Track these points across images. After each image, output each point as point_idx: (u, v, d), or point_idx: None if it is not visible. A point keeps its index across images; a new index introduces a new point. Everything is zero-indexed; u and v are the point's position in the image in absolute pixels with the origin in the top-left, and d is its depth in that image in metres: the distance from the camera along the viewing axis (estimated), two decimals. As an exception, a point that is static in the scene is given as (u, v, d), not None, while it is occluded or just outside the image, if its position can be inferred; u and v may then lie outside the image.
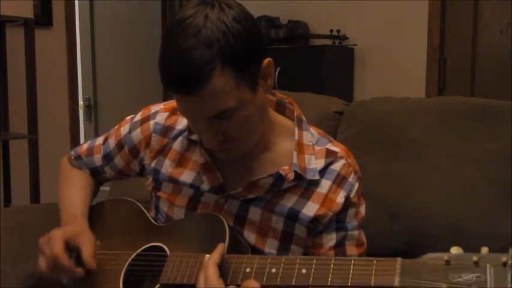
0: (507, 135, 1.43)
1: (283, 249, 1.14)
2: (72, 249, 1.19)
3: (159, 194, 1.23)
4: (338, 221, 1.13)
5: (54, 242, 1.16)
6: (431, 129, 1.56)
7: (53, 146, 3.11)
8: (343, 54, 3.53)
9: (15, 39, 2.94)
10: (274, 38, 3.55)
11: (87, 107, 4.32)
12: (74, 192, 1.32)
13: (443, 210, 1.46)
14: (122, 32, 4.25)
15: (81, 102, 4.08)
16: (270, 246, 1.14)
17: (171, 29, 1.00)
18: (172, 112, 1.25)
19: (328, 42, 3.52)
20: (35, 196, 2.85)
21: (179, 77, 0.97)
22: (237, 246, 1.09)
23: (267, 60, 1.05)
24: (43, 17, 3.20)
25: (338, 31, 3.49)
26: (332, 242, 1.13)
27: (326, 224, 1.13)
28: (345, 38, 3.50)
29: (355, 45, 3.52)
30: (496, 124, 1.48)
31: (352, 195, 1.14)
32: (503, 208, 1.40)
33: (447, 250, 1.50)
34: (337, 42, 3.50)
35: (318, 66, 3.35)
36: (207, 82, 0.96)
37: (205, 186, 1.17)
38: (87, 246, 1.18)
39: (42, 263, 1.18)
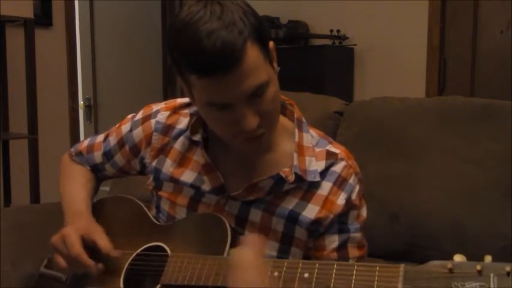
0: (507, 135, 1.43)
1: (283, 251, 1.14)
2: (88, 246, 1.19)
3: (160, 193, 1.23)
4: (340, 223, 1.13)
5: (72, 241, 1.16)
6: (431, 129, 1.56)
7: (53, 146, 3.11)
8: (343, 54, 3.53)
9: (15, 39, 2.94)
10: (274, 38, 3.55)
11: (87, 107, 4.32)
12: (76, 188, 1.32)
13: (443, 210, 1.46)
14: (122, 32, 4.25)
15: (81, 102, 4.08)
16: (271, 248, 1.13)
17: (185, 22, 0.98)
18: (174, 111, 1.25)
19: (328, 42, 3.52)
20: (35, 196, 2.85)
21: (216, 55, 0.95)
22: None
23: (272, 43, 1.07)
24: (43, 17, 3.20)
25: (338, 31, 3.49)
26: (334, 244, 1.13)
27: (328, 226, 1.13)
28: (345, 38, 3.50)
29: (355, 45, 3.52)
30: (496, 124, 1.48)
31: (353, 197, 1.14)
32: (503, 208, 1.40)
33: (447, 250, 1.50)
34: (337, 42, 3.50)
35: (318, 66, 3.35)
36: (244, 56, 0.96)
37: (206, 186, 1.17)
38: (103, 240, 1.19)
39: (61, 262, 1.18)
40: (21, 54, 2.84)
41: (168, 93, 4.13)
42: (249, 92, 1.00)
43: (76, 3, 3.74)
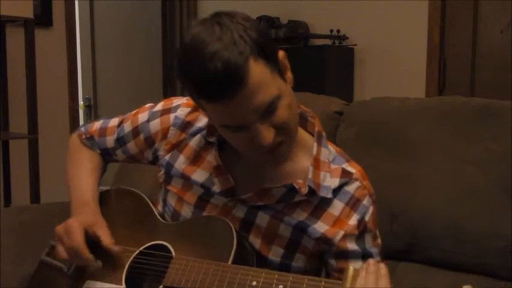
0: (507, 135, 1.43)
1: (287, 257, 1.13)
2: (90, 239, 1.20)
3: (168, 187, 1.23)
4: (362, 248, 1.13)
5: (75, 232, 1.17)
6: (431, 129, 1.55)
7: (53, 146, 3.10)
8: (343, 54, 3.53)
9: (15, 39, 2.94)
10: (274, 38, 3.55)
11: (87, 107, 4.33)
12: (84, 175, 1.32)
13: (443, 210, 1.45)
14: (122, 32, 4.25)
15: (81, 102, 4.09)
16: (275, 253, 1.13)
17: (188, 47, 0.98)
18: (195, 108, 1.23)
19: (328, 42, 3.52)
20: (35, 196, 2.85)
21: (220, 78, 0.94)
22: (244, 253, 1.09)
23: (282, 53, 1.06)
24: (43, 17, 3.20)
25: (338, 31, 3.49)
26: None
27: (351, 252, 1.12)
28: (345, 38, 3.50)
29: (355, 45, 3.52)
30: (496, 124, 1.48)
31: (367, 218, 1.13)
32: (503, 208, 1.40)
33: (447, 250, 1.50)
34: (337, 42, 3.50)
35: (318, 66, 3.35)
36: (248, 75, 0.94)
37: (216, 188, 1.16)
38: (105, 234, 1.20)
39: (62, 253, 1.19)
40: (21, 54, 2.84)
41: (167, 93, 4.13)
42: (260, 111, 0.99)
43: (76, 3, 3.75)
